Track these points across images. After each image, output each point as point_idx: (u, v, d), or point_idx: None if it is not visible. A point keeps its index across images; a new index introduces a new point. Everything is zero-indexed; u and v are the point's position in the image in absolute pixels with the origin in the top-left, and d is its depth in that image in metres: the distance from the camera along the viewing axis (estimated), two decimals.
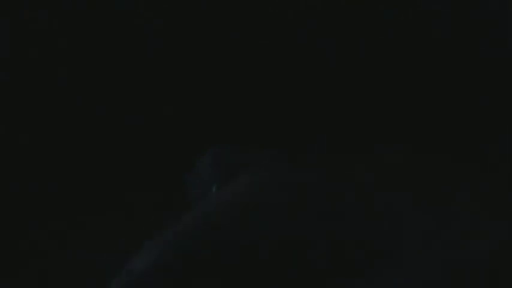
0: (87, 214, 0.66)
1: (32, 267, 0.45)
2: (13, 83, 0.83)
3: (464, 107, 0.73)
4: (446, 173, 0.35)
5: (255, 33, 0.81)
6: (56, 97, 0.86)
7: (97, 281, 0.42)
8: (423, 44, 0.76)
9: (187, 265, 0.31)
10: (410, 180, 0.33)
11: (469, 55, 0.73)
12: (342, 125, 0.69)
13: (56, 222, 0.61)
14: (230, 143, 0.60)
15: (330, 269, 0.31)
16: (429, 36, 0.76)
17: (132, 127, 0.86)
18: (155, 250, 0.32)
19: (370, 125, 0.66)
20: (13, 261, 0.46)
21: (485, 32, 0.72)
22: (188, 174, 0.59)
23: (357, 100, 0.77)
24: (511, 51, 0.59)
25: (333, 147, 0.63)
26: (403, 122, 0.75)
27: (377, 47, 0.79)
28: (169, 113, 0.86)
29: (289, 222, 0.30)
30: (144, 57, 0.86)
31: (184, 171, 0.59)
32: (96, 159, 0.82)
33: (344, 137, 0.68)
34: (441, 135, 0.72)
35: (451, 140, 0.73)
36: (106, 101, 0.87)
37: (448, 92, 0.75)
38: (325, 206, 0.30)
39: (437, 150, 0.70)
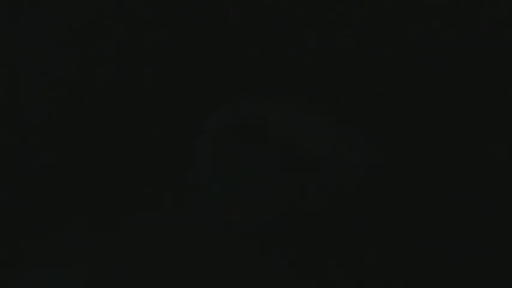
0: (87, 214, 0.66)
1: (32, 266, 0.45)
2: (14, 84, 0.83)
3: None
4: None
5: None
6: (55, 98, 0.86)
7: (97, 279, 0.42)
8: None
9: None
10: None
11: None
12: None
13: (56, 221, 0.61)
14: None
15: None
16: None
17: (132, 128, 0.86)
18: None
19: None
20: (14, 259, 0.46)
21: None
22: (188, 174, 0.59)
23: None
24: None
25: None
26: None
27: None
28: (169, 114, 0.86)
29: None
30: (145, 59, 0.86)
31: (185, 170, 0.60)
32: (96, 160, 0.82)
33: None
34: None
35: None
36: (107, 102, 0.87)
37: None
38: None
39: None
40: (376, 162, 0.58)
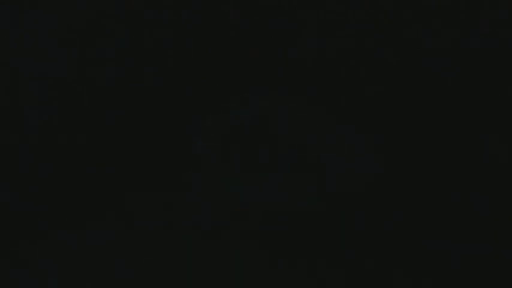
0: (87, 214, 0.66)
1: (32, 266, 0.45)
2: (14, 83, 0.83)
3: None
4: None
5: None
6: (55, 98, 0.85)
7: (97, 279, 0.42)
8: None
9: None
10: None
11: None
12: None
13: (56, 221, 0.61)
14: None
15: None
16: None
17: (132, 127, 0.86)
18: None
19: None
20: (14, 259, 0.46)
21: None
22: (188, 174, 0.59)
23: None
24: None
25: None
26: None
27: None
28: (169, 114, 0.86)
29: None
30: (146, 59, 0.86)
31: (185, 170, 0.59)
32: (96, 160, 0.82)
33: None
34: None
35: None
36: (107, 102, 0.87)
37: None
38: None
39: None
40: (376, 162, 0.58)
